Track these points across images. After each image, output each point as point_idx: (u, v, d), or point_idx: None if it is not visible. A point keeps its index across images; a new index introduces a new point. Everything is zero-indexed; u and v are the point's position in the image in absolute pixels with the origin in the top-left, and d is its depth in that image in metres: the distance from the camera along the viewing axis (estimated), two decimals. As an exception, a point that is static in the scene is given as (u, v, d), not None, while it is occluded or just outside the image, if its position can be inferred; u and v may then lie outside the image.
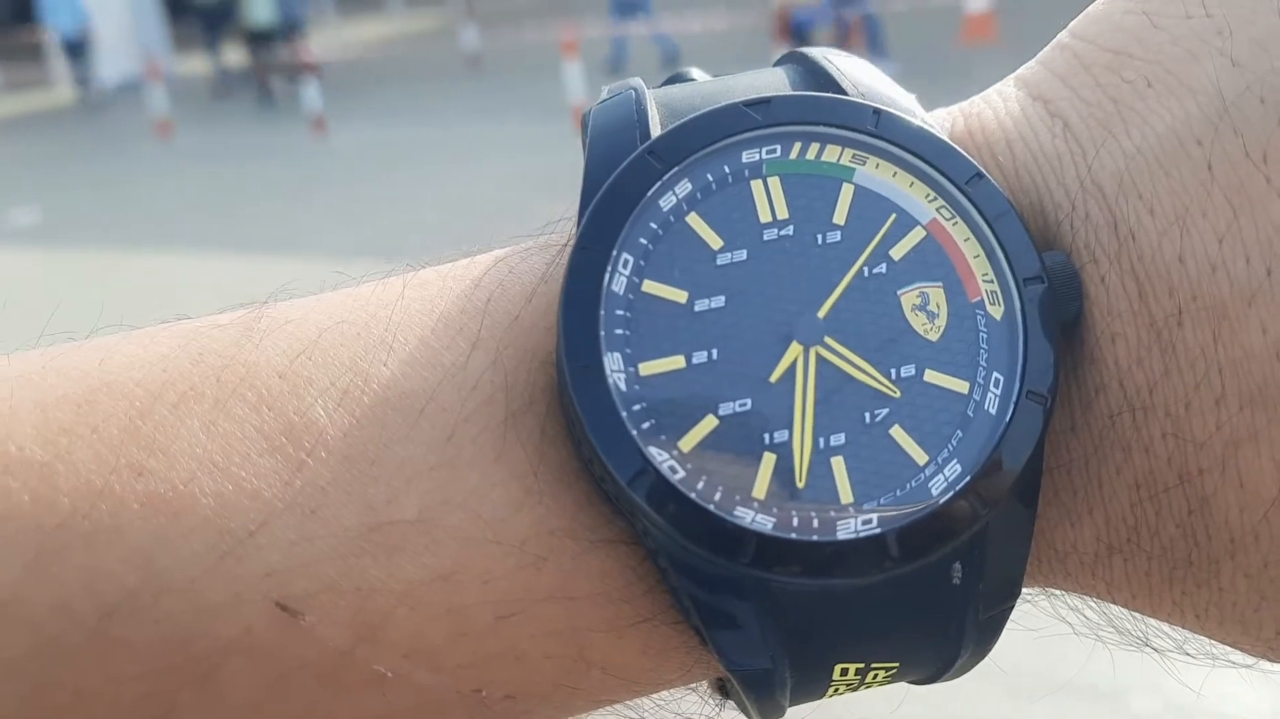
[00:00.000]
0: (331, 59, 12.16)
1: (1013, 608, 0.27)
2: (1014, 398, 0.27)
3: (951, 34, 8.95)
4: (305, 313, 0.28)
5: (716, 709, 0.31)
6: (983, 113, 0.30)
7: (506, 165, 7.22)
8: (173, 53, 17.19)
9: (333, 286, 0.30)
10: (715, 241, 0.27)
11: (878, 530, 0.26)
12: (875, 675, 0.27)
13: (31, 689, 0.24)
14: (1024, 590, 0.28)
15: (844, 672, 0.27)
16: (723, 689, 0.30)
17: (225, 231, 6.45)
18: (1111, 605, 0.30)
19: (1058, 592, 0.30)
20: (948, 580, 0.27)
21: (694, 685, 0.30)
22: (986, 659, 0.29)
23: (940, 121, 0.30)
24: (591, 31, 9.45)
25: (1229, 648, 0.28)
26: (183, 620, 0.25)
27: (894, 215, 0.28)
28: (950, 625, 0.27)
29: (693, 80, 0.31)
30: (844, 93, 0.29)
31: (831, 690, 0.28)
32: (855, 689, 0.28)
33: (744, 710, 0.29)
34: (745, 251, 0.27)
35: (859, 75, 0.29)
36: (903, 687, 0.30)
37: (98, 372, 0.27)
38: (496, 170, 7.14)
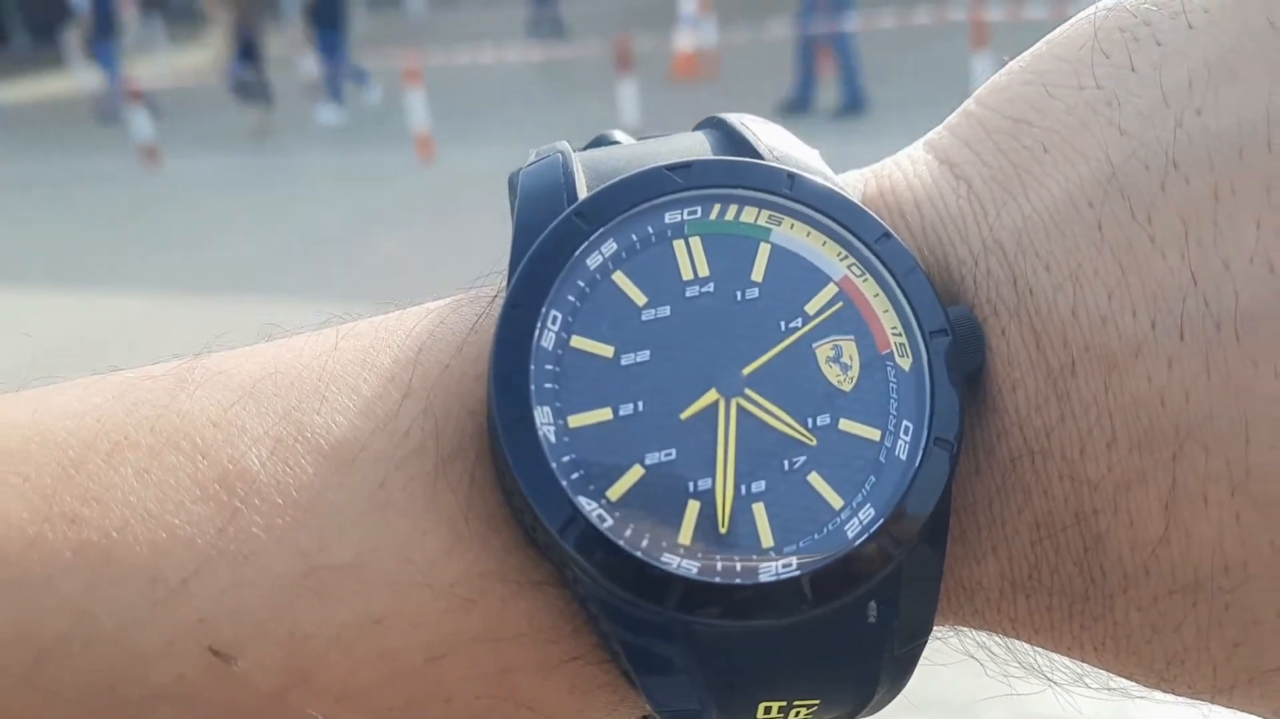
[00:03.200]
0: (162, 86, 11.78)
1: (925, 644, 0.29)
2: (923, 444, 0.28)
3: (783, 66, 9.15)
4: (238, 363, 0.29)
5: None
6: (893, 174, 0.31)
7: (347, 196, 7.10)
8: (-10, 79, 16.42)
9: (266, 338, 0.30)
10: (640, 298, 0.28)
11: (797, 573, 0.27)
12: (798, 713, 0.28)
13: None
14: (935, 628, 0.29)
15: (768, 710, 0.28)
16: None
17: (52, 265, 6.17)
18: (1017, 641, 0.31)
19: (967, 629, 0.31)
20: (864, 619, 0.28)
21: None
22: None
23: (853, 183, 0.32)
24: (436, 60, 9.38)
25: (1125, 680, 0.30)
26: (113, 667, 0.25)
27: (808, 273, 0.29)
28: (868, 662, 0.28)
29: (616, 143, 0.32)
30: (760, 157, 0.30)
31: None
32: None
33: None
34: (669, 308, 0.28)
35: (774, 140, 0.31)
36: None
37: (30, 421, 0.27)
38: (337, 201, 7.01)
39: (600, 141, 0.32)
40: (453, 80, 9.89)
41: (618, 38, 7.57)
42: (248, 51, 10.14)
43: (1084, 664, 0.30)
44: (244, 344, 0.31)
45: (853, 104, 7.88)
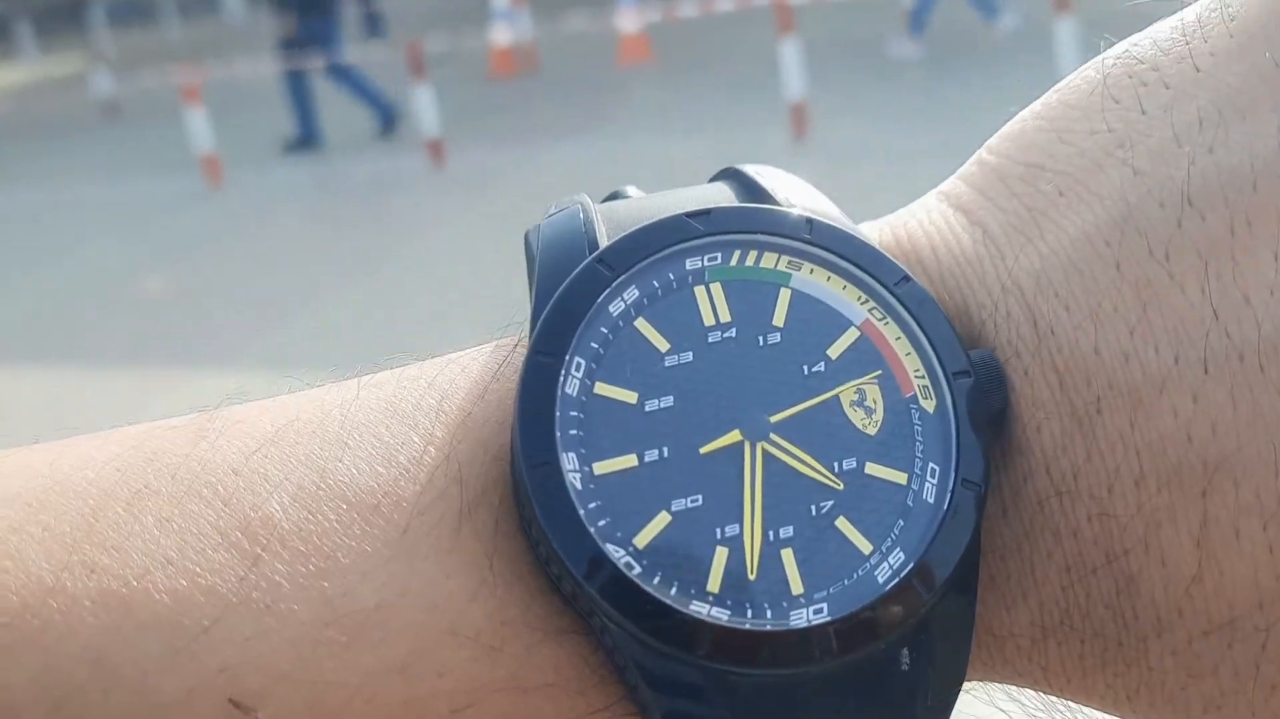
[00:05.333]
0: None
1: (959, 693, 0.28)
2: (950, 486, 0.28)
3: (608, 58, 8.80)
4: (259, 413, 0.29)
5: None
6: (908, 223, 0.32)
7: (122, 234, 6.51)
8: None
9: (286, 391, 0.30)
10: (662, 344, 0.29)
11: (829, 618, 0.27)
12: None
13: None
14: (965, 681, 0.29)
15: None
16: None
17: None
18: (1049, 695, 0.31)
19: (998, 683, 0.31)
20: (897, 666, 0.27)
21: None
22: None
23: (868, 232, 0.32)
24: (218, 74, 8.70)
25: None
26: (133, 717, 0.25)
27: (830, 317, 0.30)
28: (902, 712, 0.28)
29: (631, 197, 0.32)
30: (777, 204, 0.31)
31: None
32: None
33: None
34: (691, 353, 0.29)
35: (790, 189, 0.32)
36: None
37: (48, 472, 0.27)
38: (110, 240, 6.40)
39: (616, 196, 0.33)
40: (251, 93, 9.22)
41: (410, 42, 7.06)
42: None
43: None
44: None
45: (386, 122, 7.94)
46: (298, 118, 7.96)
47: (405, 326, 4.27)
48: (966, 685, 0.29)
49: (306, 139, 7.92)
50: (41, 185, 8.32)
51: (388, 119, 7.91)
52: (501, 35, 9.41)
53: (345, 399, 0.29)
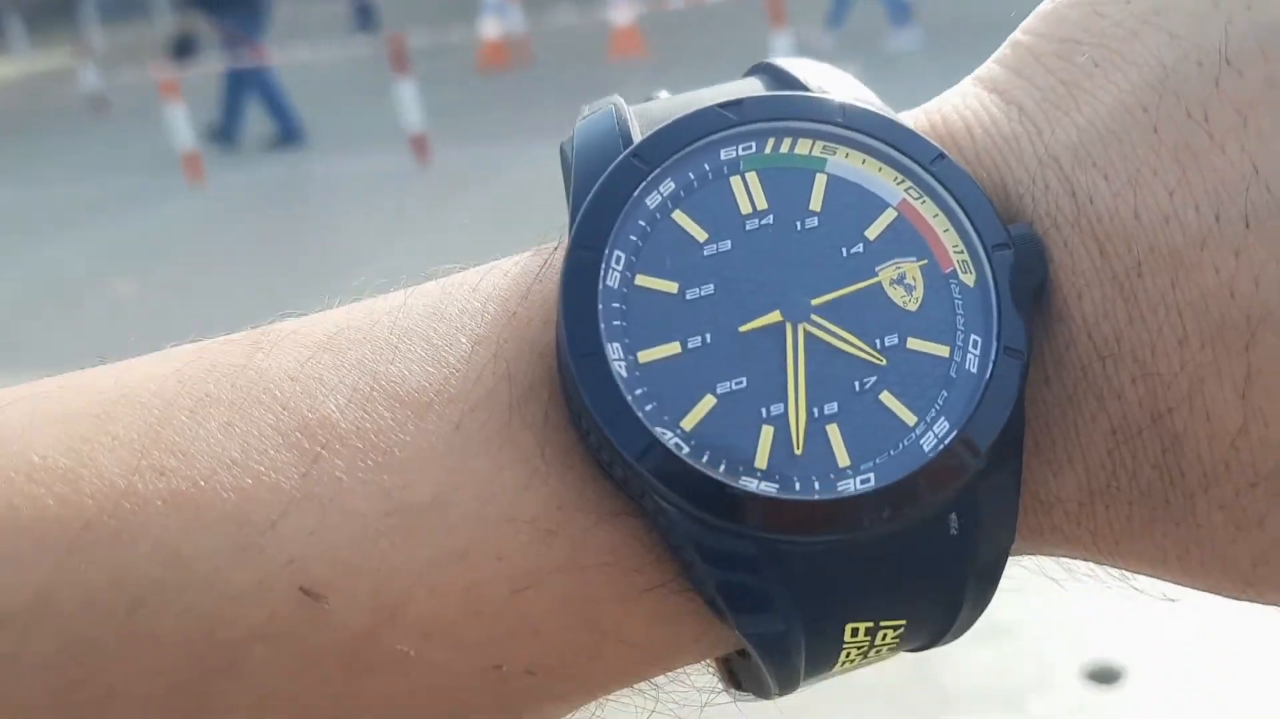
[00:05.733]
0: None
1: (1007, 557, 0.29)
2: (992, 355, 0.28)
3: (600, 51, 8.66)
4: (311, 324, 0.30)
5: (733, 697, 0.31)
6: (942, 107, 0.32)
7: (96, 231, 6.35)
8: None
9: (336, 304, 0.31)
10: (700, 234, 0.29)
11: (875, 486, 0.27)
12: (884, 635, 0.29)
13: (64, 686, 0.25)
14: (1013, 554, 0.29)
15: (854, 632, 0.28)
16: (735, 680, 0.31)
17: None
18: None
19: (1047, 553, 0.31)
20: (946, 531, 0.28)
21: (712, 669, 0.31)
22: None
23: (903, 120, 0.32)
24: (202, 69, 8.54)
25: (1211, 593, 0.29)
26: (208, 609, 0.25)
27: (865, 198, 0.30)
28: (951, 575, 0.28)
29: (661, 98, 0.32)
30: (809, 91, 0.31)
31: (843, 655, 0.29)
32: (866, 655, 0.29)
33: (757, 690, 0.30)
34: (730, 242, 0.29)
35: (823, 77, 0.32)
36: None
37: (114, 387, 0.28)
38: (83, 239, 6.24)
39: (649, 99, 0.33)
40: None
41: (393, 35, 6.91)
42: None
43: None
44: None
45: (229, 137, 7.96)
46: (272, 115, 7.87)
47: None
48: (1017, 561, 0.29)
49: (288, 135, 7.83)
50: (29, 183, 8.18)
51: (231, 135, 7.91)
52: (492, 28, 9.27)
53: (393, 306, 0.30)
